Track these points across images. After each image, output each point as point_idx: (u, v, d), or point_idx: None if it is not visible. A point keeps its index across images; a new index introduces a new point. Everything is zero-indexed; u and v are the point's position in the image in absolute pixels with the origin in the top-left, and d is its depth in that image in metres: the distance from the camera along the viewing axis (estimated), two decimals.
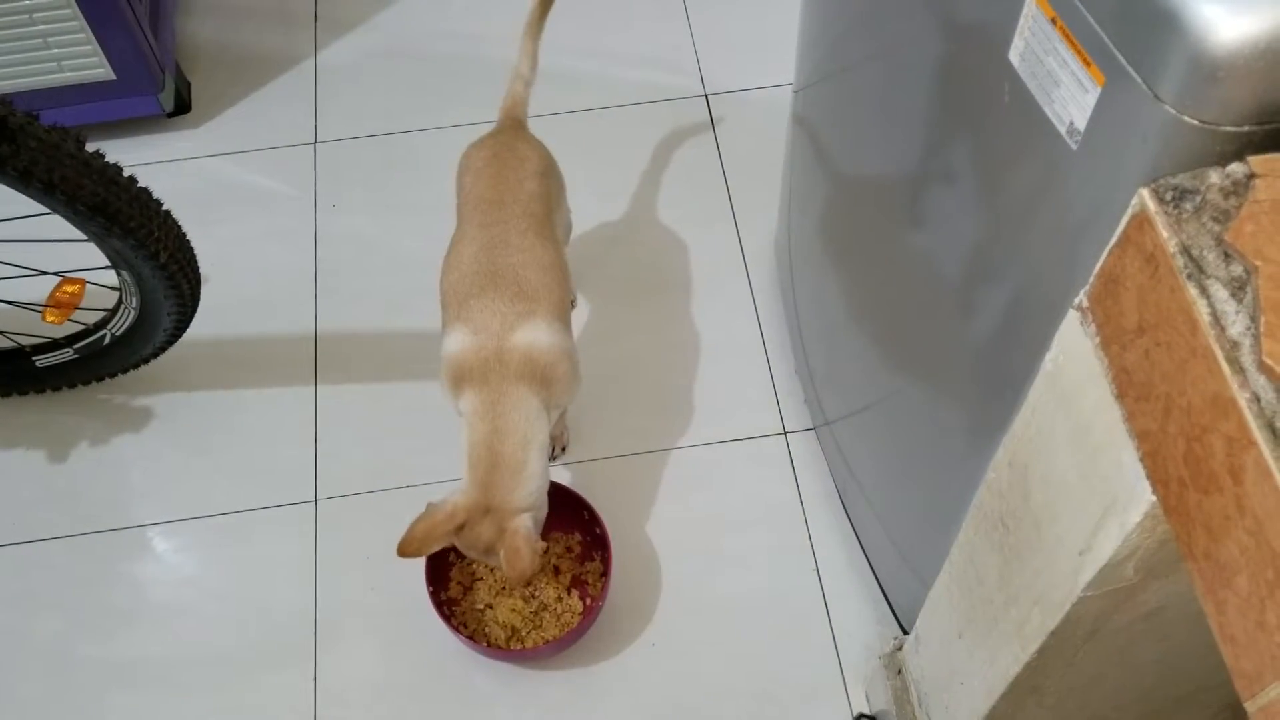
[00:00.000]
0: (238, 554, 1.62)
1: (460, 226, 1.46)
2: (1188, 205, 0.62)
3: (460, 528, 1.28)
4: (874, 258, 1.26)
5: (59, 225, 1.36)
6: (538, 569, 1.28)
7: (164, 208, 1.38)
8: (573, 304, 1.79)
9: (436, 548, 1.29)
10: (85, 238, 1.38)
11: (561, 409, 1.47)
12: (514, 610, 1.51)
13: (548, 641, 1.48)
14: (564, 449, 1.66)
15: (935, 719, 1.25)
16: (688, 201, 1.92)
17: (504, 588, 1.53)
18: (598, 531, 1.53)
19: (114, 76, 1.87)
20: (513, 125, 1.55)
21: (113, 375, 1.71)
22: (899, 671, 1.37)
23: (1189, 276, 0.60)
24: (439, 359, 1.38)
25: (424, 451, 1.65)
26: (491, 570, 1.54)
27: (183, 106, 2.02)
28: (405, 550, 1.27)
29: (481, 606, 1.52)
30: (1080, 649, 0.91)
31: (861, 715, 1.47)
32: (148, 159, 1.97)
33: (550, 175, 1.52)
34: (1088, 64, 0.69)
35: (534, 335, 1.34)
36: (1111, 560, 0.74)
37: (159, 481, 1.68)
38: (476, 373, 1.32)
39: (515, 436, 1.30)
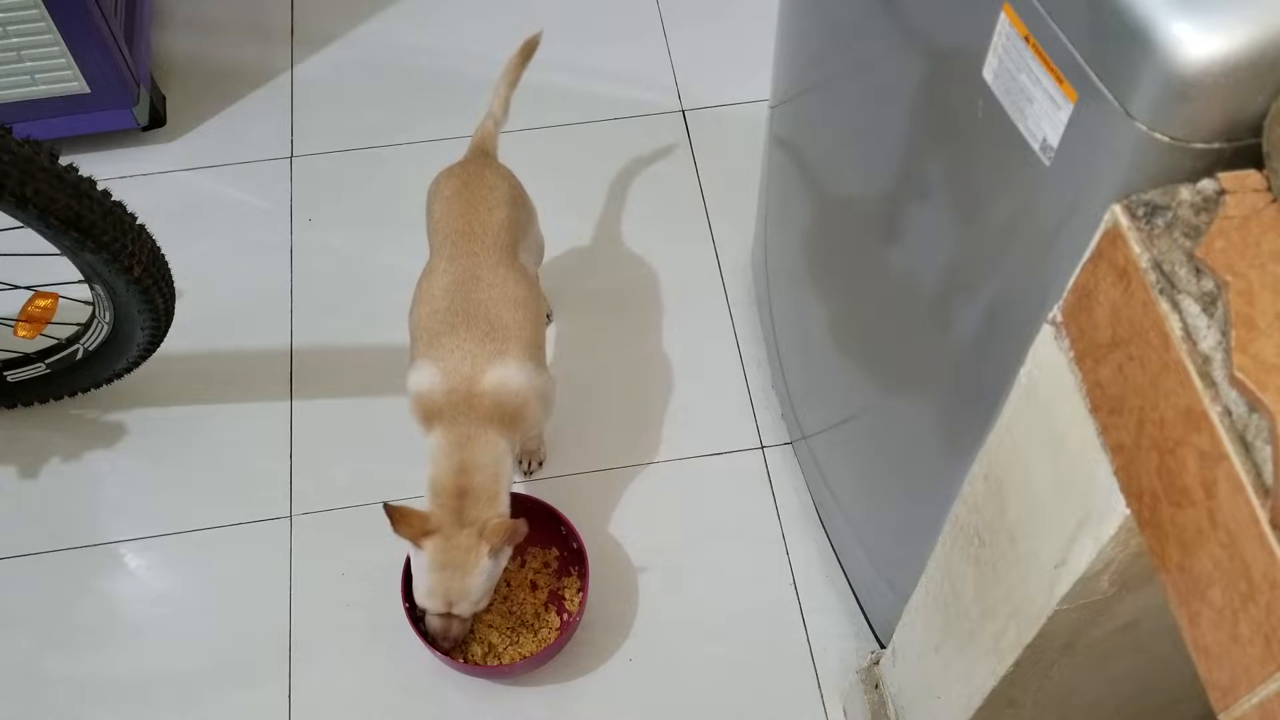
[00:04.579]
0: (212, 570, 1.60)
1: (431, 258, 1.47)
2: (1159, 221, 0.63)
3: (429, 534, 1.30)
4: (850, 272, 1.27)
5: (32, 239, 1.35)
6: (525, 530, 1.32)
7: (138, 222, 1.37)
8: (549, 320, 1.79)
9: (404, 531, 1.31)
10: (58, 252, 1.37)
11: (533, 434, 1.48)
12: (491, 626, 1.50)
13: (525, 657, 1.47)
14: (540, 464, 1.66)
15: None
16: (664, 217, 1.92)
17: None
18: (575, 546, 1.52)
19: (88, 90, 1.86)
20: (481, 155, 1.57)
21: (85, 390, 1.70)
22: (876, 685, 1.37)
23: (1161, 291, 0.61)
24: (405, 386, 1.39)
25: (399, 467, 1.64)
26: None
27: (157, 120, 2.01)
28: (391, 509, 1.29)
29: None
30: (1056, 662, 0.91)
31: None
32: (122, 173, 1.96)
33: (518, 203, 1.52)
34: (1060, 81, 0.70)
35: (504, 377, 1.35)
36: (1086, 573, 0.74)
37: (132, 497, 1.67)
38: (446, 413, 1.34)
39: (484, 473, 1.33)
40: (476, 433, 1.33)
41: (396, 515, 1.30)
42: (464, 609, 1.35)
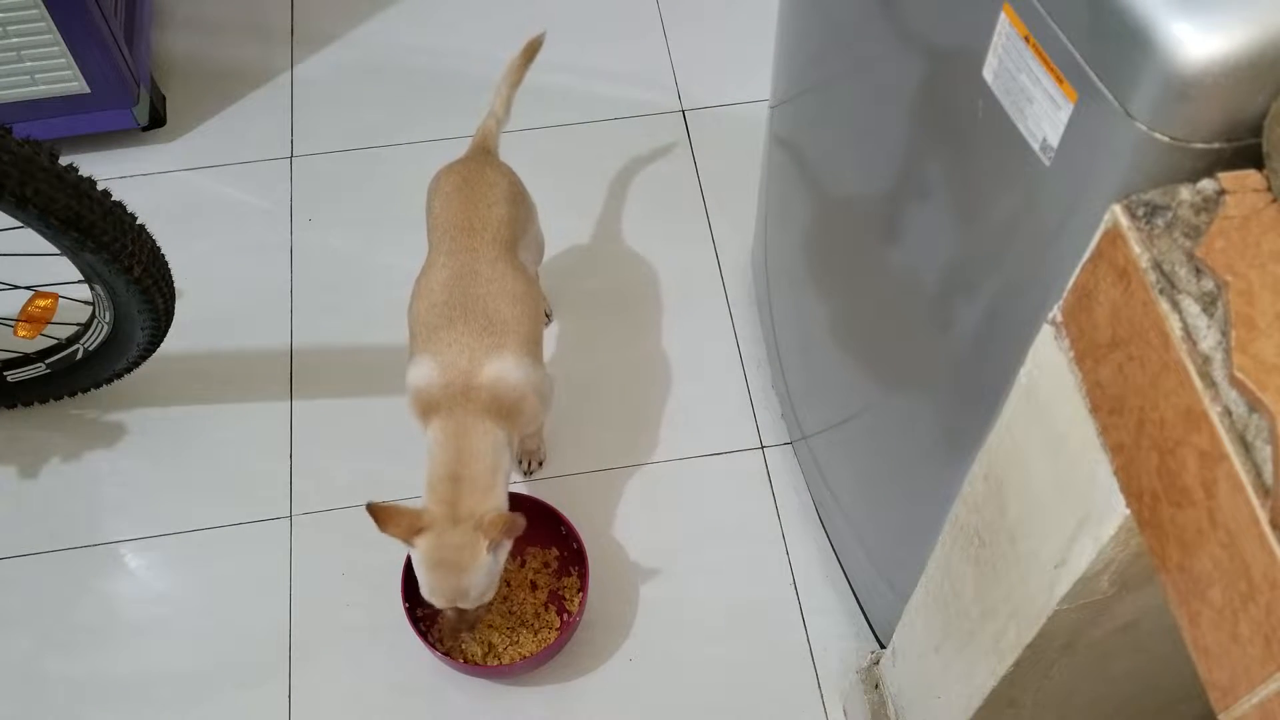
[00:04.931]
0: (211, 570, 1.60)
1: (431, 253, 1.47)
2: (1159, 221, 0.63)
3: (420, 531, 1.29)
4: (851, 272, 1.27)
5: (32, 239, 1.35)
6: (523, 523, 1.30)
7: (138, 222, 1.37)
8: (548, 320, 1.79)
9: (392, 530, 1.29)
10: (58, 252, 1.37)
11: (530, 431, 1.48)
12: (491, 626, 1.50)
13: (525, 657, 1.47)
14: (540, 464, 1.66)
15: None
16: (664, 217, 1.92)
17: None
18: (575, 546, 1.52)
19: (88, 90, 1.86)
20: (482, 153, 1.57)
21: (85, 390, 1.70)
22: (876, 686, 1.37)
23: (1161, 291, 0.61)
24: (404, 383, 1.39)
25: (399, 466, 1.64)
26: None
27: (157, 120, 2.01)
28: (373, 507, 1.28)
29: None
30: (1056, 662, 0.91)
31: None
32: (122, 173, 1.96)
33: (519, 201, 1.52)
34: (1060, 81, 0.70)
35: (501, 371, 1.35)
36: (1086, 573, 0.74)
37: (132, 497, 1.67)
38: (443, 406, 1.34)
39: (482, 463, 1.32)
40: (473, 423, 1.33)
41: (381, 515, 1.28)
42: (468, 604, 1.33)
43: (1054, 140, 0.73)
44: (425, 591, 1.33)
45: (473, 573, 1.29)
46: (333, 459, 1.69)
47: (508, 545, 1.34)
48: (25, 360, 1.64)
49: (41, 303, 1.54)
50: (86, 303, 1.53)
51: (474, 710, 1.49)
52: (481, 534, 1.28)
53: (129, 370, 1.64)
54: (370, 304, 1.82)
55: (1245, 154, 0.63)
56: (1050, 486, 0.77)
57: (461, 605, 1.33)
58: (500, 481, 1.34)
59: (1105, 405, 0.68)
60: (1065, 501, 0.75)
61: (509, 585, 1.53)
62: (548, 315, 1.78)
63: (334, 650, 1.54)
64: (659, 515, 1.63)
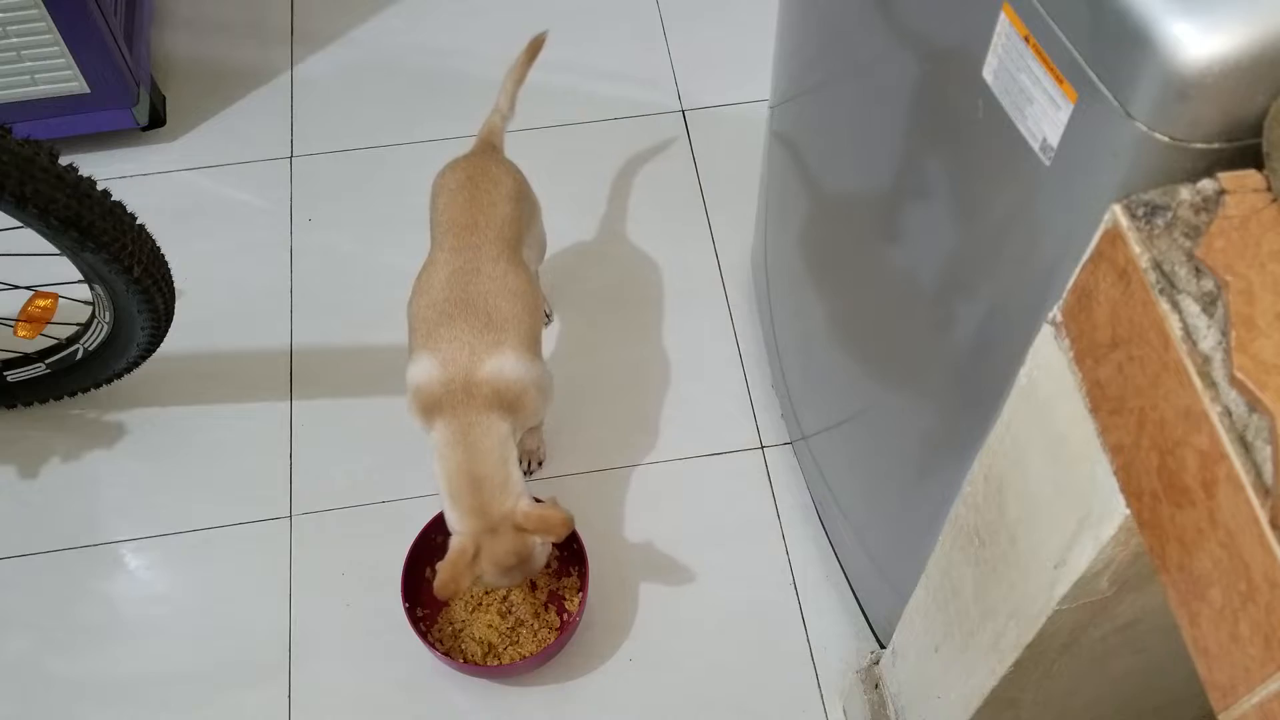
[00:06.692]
0: (211, 570, 1.60)
1: (433, 249, 1.47)
2: (1159, 221, 0.63)
3: (475, 557, 1.31)
4: (851, 272, 1.27)
5: (32, 239, 1.35)
6: (570, 517, 1.33)
7: (138, 222, 1.37)
8: (548, 319, 1.79)
9: (468, 583, 1.31)
10: (58, 252, 1.37)
11: (531, 425, 1.48)
12: (491, 626, 1.50)
13: (524, 657, 1.47)
14: (540, 464, 1.66)
15: None
16: (664, 216, 1.92)
17: (480, 603, 1.52)
18: (575, 547, 1.52)
19: (88, 90, 1.86)
20: (488, 149, 1.56)
21: (85, 390, 1.70)
22: (876, 686, 1.37)
23: (1161, 291, 0.61)
24: (405, 381, 1.39)
25: (399, 466, 1.64)
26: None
27: (157, 120, 2.01)
28: (443, 592, 1.30)
29: (458, 623, 1.51)
30: (1056, 662, 0.91)
31: None
32: (122, 173, 1.96)
33: (523, 199, 1.52)
34: (1060, 81, 0.70)
35: (501, 367, 1.35)
36: (1086, 573, 0.74)
37: (131, 497, 1.67)
38: (445, 404, 1.34)
39: (491, 458, 1.33)
40: (477, 419, 1.34)
41: (453, 588, 1.30)
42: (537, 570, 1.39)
43: (1054, 140, 0.73)
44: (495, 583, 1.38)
45: (534, 561, 1.35)
46: (333, 458, 1.69)
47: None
48: (25, 360, 1.64)
49: (41, 303, 1.54)
50: (86, 303, 1.53)
51: (474, 710, 1.49)
52: (525, 532, 1.32)
53: (129, 370, 1.64)
54: (370, 304, 1.82)
55: (1245, 154, 0.63)
56: (1050, 486, 0.77)
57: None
58: (513, 472, 1.34)
59: (1105, 405, 0.68)
60: (1065, 501, 0.75)
61: None
62: (548, 315, 1.78)
63: (334, 650, 1.54)
64: (659, 515, 1.63)
